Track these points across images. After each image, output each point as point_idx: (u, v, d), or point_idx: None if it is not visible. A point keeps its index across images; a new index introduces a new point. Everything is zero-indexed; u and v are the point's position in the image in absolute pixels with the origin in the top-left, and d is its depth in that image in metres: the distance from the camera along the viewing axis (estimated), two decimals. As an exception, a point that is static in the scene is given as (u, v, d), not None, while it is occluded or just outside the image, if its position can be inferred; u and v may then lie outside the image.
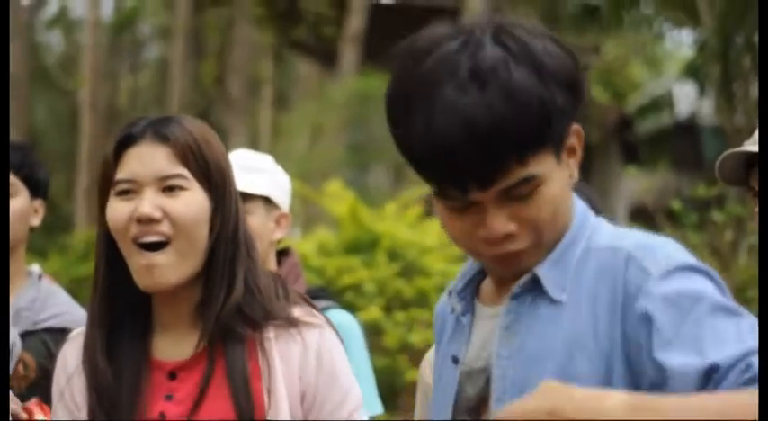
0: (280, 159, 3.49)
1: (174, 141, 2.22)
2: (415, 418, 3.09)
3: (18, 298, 3.64)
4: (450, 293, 2.05)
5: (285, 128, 20.77)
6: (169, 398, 2.24)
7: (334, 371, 2.27)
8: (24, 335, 3.58)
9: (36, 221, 3.71)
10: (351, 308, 7.73)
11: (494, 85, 1.73)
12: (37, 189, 3.69)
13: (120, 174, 2.23)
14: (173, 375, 2.26)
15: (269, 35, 20.54)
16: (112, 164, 2.24)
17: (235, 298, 2.24)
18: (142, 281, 2.22)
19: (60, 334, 3.58)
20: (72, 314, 3.68)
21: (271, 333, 2.24)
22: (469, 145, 1.73)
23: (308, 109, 18.40)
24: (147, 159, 2.21)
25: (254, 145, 17.60)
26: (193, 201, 2.23)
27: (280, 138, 21.65)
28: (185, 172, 2.22)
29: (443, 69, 1.76)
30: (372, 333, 7.64)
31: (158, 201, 2.21)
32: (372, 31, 15.89)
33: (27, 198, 3.65)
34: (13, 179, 3.61)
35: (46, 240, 19.30)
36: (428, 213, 8.76)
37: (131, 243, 2.22)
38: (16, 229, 3.61)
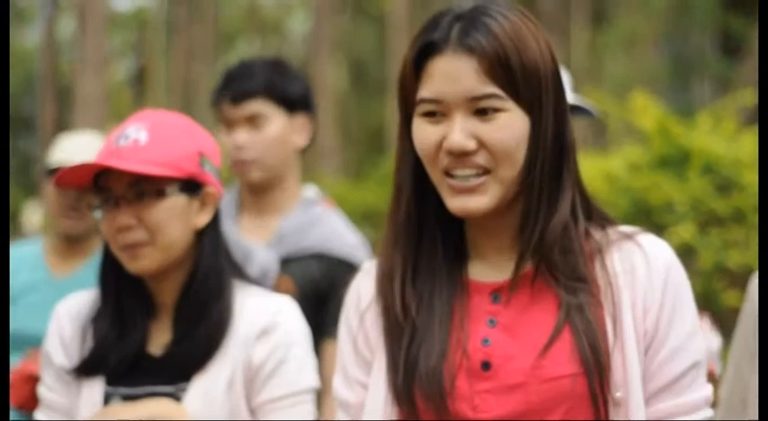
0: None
1: (481, 53, 1.88)
2: (734, 348, 2.61)
3: (285, 222, 3.52)
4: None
5: (601, 45, 20.27)
6: (492, 322, 1.95)
7: (682, 294, 1.95)
8: (287, 261, 3.49)
9: (301, 141, 3.54)
10: (661, 227, 7.29)
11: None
12: (292, 105, 3.50)
13: (424, 92, 1.92)
14: (495, 297, 1.97)
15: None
16: (412, 77, 1.94)
17: (560, 217, 1.93)
18: (454, 209, 1.94)
19: (322, 259, 3.50)
20: (338, 239, 3.53)
21: (606, 250, 1.96)
22: None
23: (624, 22, 17.83)
24: (454, 76, 1.89)
25: (567, 63, 17.18)
26: (510, 124, 1.89)
27: (595, 56, 21.15)
28: (497, 90, 1.88)
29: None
30: (685, 254, 7.17)
31: (471, 127, 1.89)
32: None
33: (281, 121, 3.49)
34: (258, 107, 3.46)
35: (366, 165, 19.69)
36: (746, 124, 8.16)
37: (442, 174, 1.92)
38: (274, 155, 3.48)
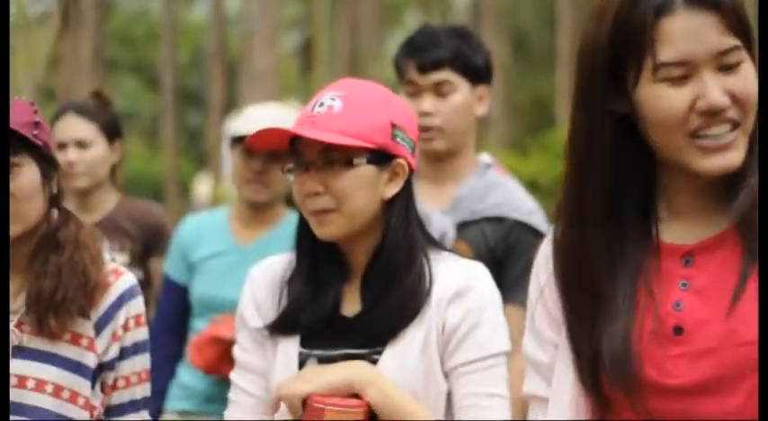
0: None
1: (717, 6, 1.86)
2: None
3: (461, 187, 3.55)
4: None
5: None
6: (684, 286, 1.91)
7: None
8: (462, 226, 3.51)
9: (482, 110, 3.58)
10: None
11: None
12: (477, 76, 3.54)
13: (665, 56, 1.86)
14: (687, 260, 1.93)
15: None
16: (634, 43, 1.88)
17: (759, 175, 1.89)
18: (710, 169, 1.88)
19: (498, 223, 3.50)
20: (514, 203, 3.54)
21: None
22: None
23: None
24: (697, 34, 1.86)
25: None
26: (751, 74, 1.88)
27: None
28: (737, 41, 1.86)
29: None
30: None
31: (722, 83, 1.86)
32: None
33: (466, 90, 3.53)
34: (446, 76, 3.50)
35: (529, 139, 19.55)
36: None
37: (688, 137, 1.87)
38: (457, 124, 3.51)
